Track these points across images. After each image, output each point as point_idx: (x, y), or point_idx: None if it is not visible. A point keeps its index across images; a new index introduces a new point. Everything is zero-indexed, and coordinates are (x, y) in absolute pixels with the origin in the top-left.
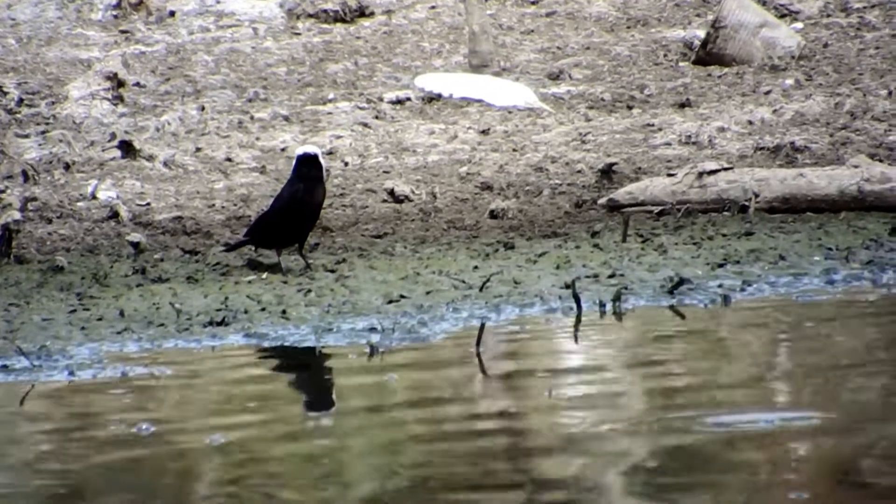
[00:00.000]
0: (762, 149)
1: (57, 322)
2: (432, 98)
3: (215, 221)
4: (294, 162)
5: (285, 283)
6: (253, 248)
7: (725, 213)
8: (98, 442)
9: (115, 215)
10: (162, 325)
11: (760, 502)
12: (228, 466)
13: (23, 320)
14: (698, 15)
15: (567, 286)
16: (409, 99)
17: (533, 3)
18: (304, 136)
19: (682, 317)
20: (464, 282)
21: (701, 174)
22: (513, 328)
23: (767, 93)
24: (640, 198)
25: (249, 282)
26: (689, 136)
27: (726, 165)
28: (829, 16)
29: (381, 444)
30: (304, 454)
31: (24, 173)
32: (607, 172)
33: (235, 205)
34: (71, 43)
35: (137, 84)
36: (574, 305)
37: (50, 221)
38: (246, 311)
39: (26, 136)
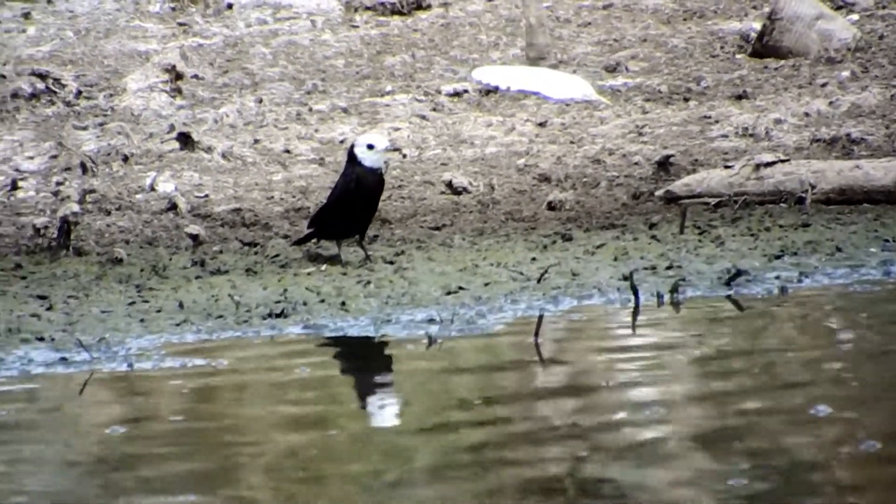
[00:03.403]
0: (818, 141)
1: (116, 314)
2: (489, 90)
3: (274, 213)
4: (348, 152)
5: (345, 274)
6: (315, 241)
7: (782, 204)
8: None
9: (173, 207)
10: (221, 316)
11: (825, 491)
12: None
13: (82, 312)
14: (754, 7)
15: (625, 278)
16: (466, 91)
17: None
18: (363, 127)
19: (741, 307)
20: (522, 273)
21: (758, 166)
22: (571, 318)
23: (823, 85)
24: (698, 189)
25: (308, 274)
26: (746, 129)
27: (783, 157)
28: (884, 7)
29: (438, 441)
30: (358, 455)
31: (83, 165)
32: (664, 164)
33: (294, 196)
34: (129, 35)
35: (195, 76)
36: (632, 297)
37: (109, 213)
38: (305, 303)
39: (84, 129)
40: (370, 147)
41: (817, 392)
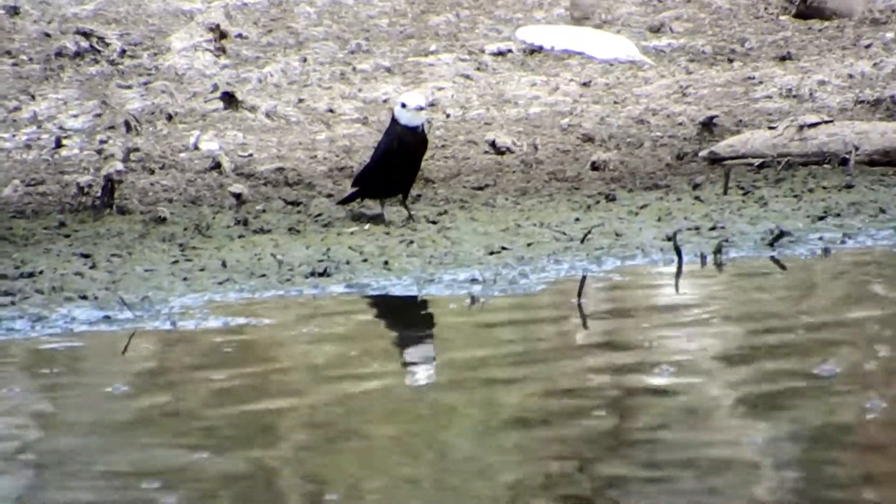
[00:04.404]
0: (862, 102)
1: (159, 273)
2: (534, 50)
3: (317, 173)
4: (392, 111)
5: (387, 234)
6: (359, 200)
7: (826, 165)
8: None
9: (217, 166)
10: (264, 275)
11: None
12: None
13: (125, 271)
14: None
15: (668, 238)
16: (510, 51)
17: None
18: (407, 87)
19: (783, 268)
20: (565, 233)
21: (801, 127)
22: (614, 279)
23: (868, 46)
24: (741, 150)
25: (351, 233)
26: (790, 90)
27: (827, 118)
28: None
29: (482, 400)
30: (403, 412)
31: (127, 124)
32: (708, 125)
33: (337, 156)
34: None
35: (240, 35)
36: (675, 258)
37: (152, 172)
38: (348, 262)
39: (129, 88)
40: (404, 106)
41: (841, 352)
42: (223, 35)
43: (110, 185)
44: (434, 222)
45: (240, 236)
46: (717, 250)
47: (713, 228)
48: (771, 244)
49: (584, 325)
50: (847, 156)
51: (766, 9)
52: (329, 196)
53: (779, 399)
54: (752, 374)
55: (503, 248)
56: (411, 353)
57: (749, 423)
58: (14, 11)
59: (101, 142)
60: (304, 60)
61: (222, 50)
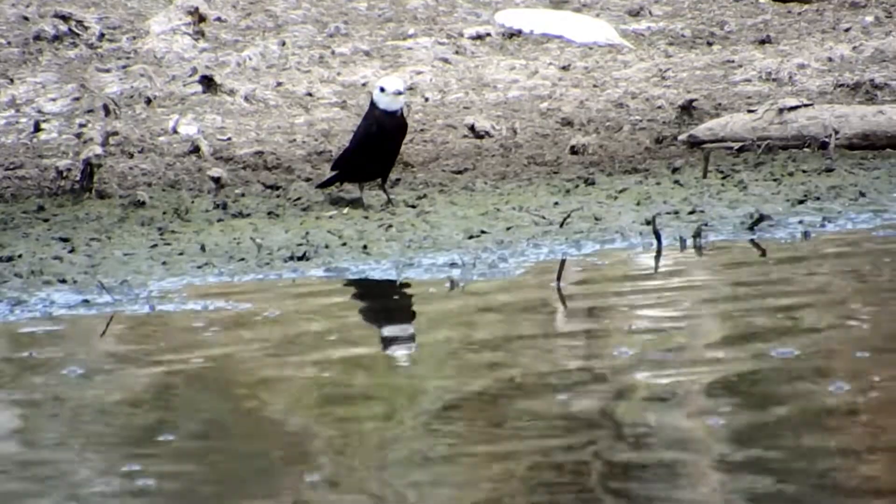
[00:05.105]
0: (842, 86)
1: (138, 257)
2: (513, 34)
3: (296, 156)
4: (371, 94)
5: (366, 218)
6: (338, 184)
7: (805, 149)
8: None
9: (196, 150)
10: (243, 259)
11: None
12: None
13: (104, 255)
14: None
15: (647, 222)
16: (489, 34)
17: None
18: (385, 71)
19: (763, 252)
20: (544, 217)
21: (781, 110)
22: (593, 263)
23: (847, 30)
24: (721, 134)
25: (330, 217)
26: (769, 73)
27: (806, 102)
28: None
29: (457, 379)
30: (382, 390)
31: (106, 108)
32: (687, 108)
33: (316, 140)
34: None
35: (218, 19)
36: (654, 241)
37: (131, 156)
38: (327, 246)
39: (107, 71)
40: (382, 90)
41: (813, 334)
42: (202, 18)
43: (89, 169)
44: (413, 206)
45: (219, 220)
46: (697, 234)
47: (692, 212)
48: (751, 228)
49: (564, 309)
50: (827, 139)
51: None
52: (308, 180)
53: (739, 383)
54: (713, 357)
55: (482, 232)
56: (387, 338)
57: (705, 407)
58: None
59: (80, 125)
60: (283, 44)
61: (201, 33)
